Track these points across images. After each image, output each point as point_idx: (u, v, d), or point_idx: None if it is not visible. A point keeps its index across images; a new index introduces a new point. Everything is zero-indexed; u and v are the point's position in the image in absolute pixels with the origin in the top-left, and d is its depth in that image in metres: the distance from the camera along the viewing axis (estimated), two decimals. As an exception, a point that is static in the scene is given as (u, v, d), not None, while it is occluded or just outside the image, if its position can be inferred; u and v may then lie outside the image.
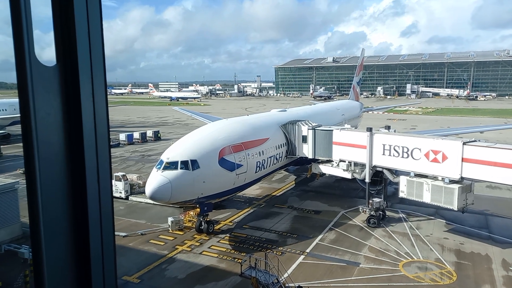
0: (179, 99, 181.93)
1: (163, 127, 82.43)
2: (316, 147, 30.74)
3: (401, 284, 18.98)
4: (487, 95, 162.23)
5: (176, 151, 23.72)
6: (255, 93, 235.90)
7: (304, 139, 31.25)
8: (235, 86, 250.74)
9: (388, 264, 21.18)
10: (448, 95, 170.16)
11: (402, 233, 25.45)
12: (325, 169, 31.20)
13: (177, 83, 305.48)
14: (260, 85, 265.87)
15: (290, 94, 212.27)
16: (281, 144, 31.08)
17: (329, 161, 30.77)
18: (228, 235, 25.61)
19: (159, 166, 22.88)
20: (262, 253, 20.99)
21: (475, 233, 25.24)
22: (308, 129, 31.02)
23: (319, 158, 31.17)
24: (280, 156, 30.93)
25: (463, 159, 22.47)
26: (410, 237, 24.83)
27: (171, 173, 22.07)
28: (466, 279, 19.47)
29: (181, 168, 22.32)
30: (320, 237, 25.00)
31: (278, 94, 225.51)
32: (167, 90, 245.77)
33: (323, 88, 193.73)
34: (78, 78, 1.90)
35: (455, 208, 22.70)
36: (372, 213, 26.88)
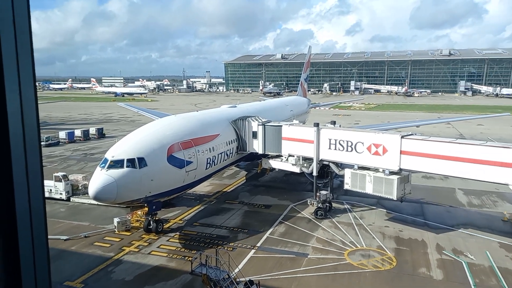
0: (125, 95, 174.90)
1: (108, 124, 78.77)
2: (266, 142, 31.18)
3: (346, 272, 19.94)
4: (422, 91, 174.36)
5: (122, 149, 22.83)
6: (205, 88, 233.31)
7: (254, 134, 31.56)
8: (184, 82, 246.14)
9: (334, 253, 22.14)
10: (388, 91, 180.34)
11: (347, 223, 26.70)
12: (275, 164, 31.77)
13: (122, 78, 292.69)
14: (210, 80, 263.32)
15: (241, 90, 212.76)
16: (231, 140, 31.12)
17: (279, 156, 31.38)
18: (178, 233, 25.21)
19: (103, 164, 21.88)
20: (213, 249, 20.93)
21: (412, 221, 27.14)
22: (258, 125, 31.35)
23: (269, 153, 31.67)
24: (231, 152, 30.97)
25: (401, 152, 24.02)
26: (355, 226, 26.12)
27: (116, 172, 21.22)
28: (405, 264, 20.92)
29: (127, 167, 21.53)
30: (270, 230, 25.47)
31: (229, 90, 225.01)
32: (111, 85, 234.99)
33: (272, 84, 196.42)
34: (2, 72, 1.78)
35: (394, 198, 24.24)
36: (319, 205, 27.88)
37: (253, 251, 22.53)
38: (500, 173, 20.29)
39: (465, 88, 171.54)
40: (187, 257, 21.29)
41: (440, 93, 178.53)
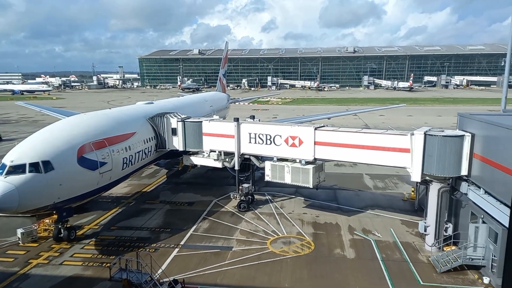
0: (24, 93, 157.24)
1: (5, 125, 70.09)
2: (186, 139, 30.64)
3: (269, 260, 20.67)
4: (332, 86, 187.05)
5: (22, 152, 20.49)
6: (118, 85, 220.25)
7: (174, 131, 30.79)
8: (94, 78, 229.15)
9: (257, 243, 22.77)
10: (302, 86, 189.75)
11: (269, 214, 27.63)
12: (197, 160, 31.41)
13: (20, 74, 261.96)
14: (123, 76, 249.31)
15: (158, 86, 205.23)
16: (149, 138, 29.94)
17: (200, 152, 31.09)
18: (93, 239, 23.58)
19: (0, 171, 19.44)
20: (134, 252, 20.02)
21: (327, 206, 29.11)
22: (178, 121, 30.64)
23: (190, 150, 31.19)
24: (149, 150, 29.80)
25: (315, 143, 25.51)
26: (276, 216, 27.15)
27: (17, 178, 19.02)
28: (322, 246, 22.40)
29: (30, 172, 19.42)
30: (194, 227, 25.20)
31: (145, 86, 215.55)
32: (7, 82, 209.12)
33: (190, 80, 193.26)
34: None
35: (311, 186, 25.71)
36: (242, 198, 28.39)
37: (176, 250, 22.08)
38: (399, 157, 22.70)
39: (368, 83, 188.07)
40: (105, 264, 20.04)
41: (347, 87, 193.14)
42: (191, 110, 37.64)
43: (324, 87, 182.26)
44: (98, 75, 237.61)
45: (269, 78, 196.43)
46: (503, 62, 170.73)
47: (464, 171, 20.76)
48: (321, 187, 28.49)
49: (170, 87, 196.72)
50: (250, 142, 28.05)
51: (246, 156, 29.02)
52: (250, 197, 29.18)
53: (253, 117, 32.92)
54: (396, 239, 23.34)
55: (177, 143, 30.85)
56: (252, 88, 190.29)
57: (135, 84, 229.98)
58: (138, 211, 28.48)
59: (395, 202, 30.06)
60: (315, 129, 25.55)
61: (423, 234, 22.73)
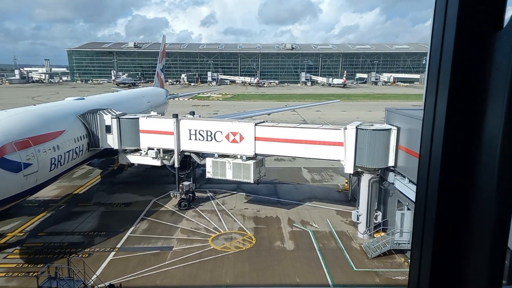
0: None
1: None
2: (122, 136, 29.27)
3: (211, 258, 20.62)
4: (271, 82, 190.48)
5: None
6: (45, 79, 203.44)
7: (108, 129, 29.23)
8: (17, 71, 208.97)
9: (199, 242, 22.57)
10: (242, 82, 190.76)
11: (211, 211, 27.50)
12: (134, 158, 30.19)
13: None
14: (50, 70, 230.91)
15: (90, 80, 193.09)
16: (81, 136, 28.09)
17: (137, 150, 29.92)
18: (18, 248, 21.69)
19: None
20: (65, 259, 18.76)
21: (268, 200, 29.72)
22: (112, 118, 29.14)
23: (127, 148, 29.87)
24: (81, 149, 27.98)
25: (256, 138, 25.85)
26: (217, 212, 27.11)
27: None
28: (263, 240, 22.85)
29: None
30: (131, 229, 24.26)
31: (75, 81, 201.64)
32: None
33: (126, 74, 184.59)
34: None
35: (252, 181, 26.05)
36: (182, 196, 27.90)
37: (113, 253, 21.11)
38: (334, 151, 23.86)
39: (306, 79, 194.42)
40: (32, 273, 18.53)
41: (286, 84, 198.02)
42: (127, 106, 36.02)
43: (264, 83, 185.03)
44: (21, 69, 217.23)
45: (209, 74, 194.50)
46: (424, 60, 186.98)
47: (391, 162, 22.40)
48: (262, 181, 28.99)
49: (104, 82, 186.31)
50: (190, 138, 27.61)
51: (186, 153, 28.53)
52: (191, 195, 28.78)
53: (193, 113, 32.39)
54: (332, 229, 24.56)
55: (111, 141, 29.35)
56: (192, 84, 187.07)
57: (64, 78, 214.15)
58: (69, 214, 26.72)
59: (330, 193, 31.56)
60: (256, 125, 25.87)
61: (355, 223, 24.19)
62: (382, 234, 22.51)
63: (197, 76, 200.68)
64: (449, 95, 1.55)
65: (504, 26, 1.39)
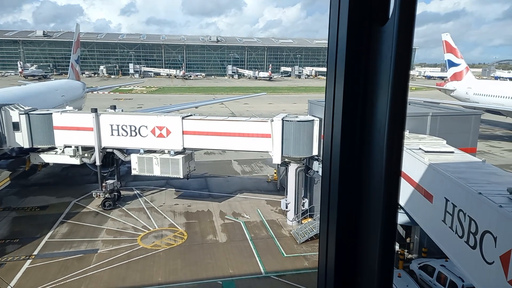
0: None
1: None
2: (33, 134, 26.54)
3: (141, 257, 19.88)
4: (198, 75, 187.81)
5: None
6: None
7: (16, 126, 26.30)
8: None
9: (126, 242, 21.58)
10: (167, 74, 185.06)
11: (138, 209, 26.42)
12: (48, 158, 27.64)
13: None
14: None
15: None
16: (-19, 135, 24.91)
17: (52, 149, 27.43)
18: None
19: None
20: (-31, 274, 16.64)
21: (199, 194, 29.45)
22: (20, 114, 26.25)
23: (39, 147, 27.21)
24: (-17, 149, 24.83)
25: (183, 132, 25.32)
26: (146, 210, 26.15)
27: None
28: (195, 235, 22.63)
29: None
30: (49, 234, 22.31)
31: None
32: None
33: (35, 66, 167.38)
34: None
35: (181, 176, 25.54)
36: (106, 195, 26.37)
37: (29, 261, 19.24)
38: (262, 143, 24.38)
39: (232, 72, 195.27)
40: None
41: (213, 76, 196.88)
42: (38, 100, 32.71)
43: (190, 76, 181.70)
44: None
45: (131, 65, 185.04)
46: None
47: (315, 151, 23.61)
48: (192, 176, 28.57)
49: (11, 74, 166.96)
50: (112, 134, 26.07)
51: (108, 150, 26.92)
52: (116, 193, 27.31)
53: (114, 107, 30.57)
54: (263, 218, 25.21)
55: (20, 139, 26.49)
56: (112, 76, 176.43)
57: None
58: (-27, 223, 23.68)
59: (260, 184, 32.31)
60: (183, 118, 25.33)
61: (285, 211, 25.15)
62: (309, 220, 23.72)
63: (117, 68, 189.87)
64: (344, 85, 1.69)
65: (388, 20, 1.52)
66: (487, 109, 52.27)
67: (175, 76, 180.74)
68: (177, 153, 25.65)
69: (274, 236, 22.63)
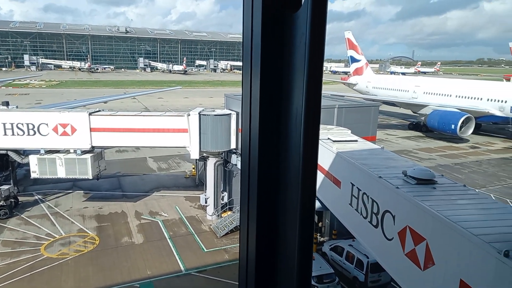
0: None
1: None
2: None
3: (46, 268, 18.00)
4: (106, 67, 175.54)
5: None
6: None
7: None
8: None
9: (28, 252, 19.37)
10: (70, 67, 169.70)
11: (41, 215, 23.88)
12: None
13: None
14: None
15: None
16: None
17: None
18: None
19: None
20: None
21: (111, 195, 27.66)
22: None
23: None
24: None
25: (91, 129, 23.46)
26: (50, 216, 23.74)
27: None
28: (108, 238, 21.24)
29: None
30: None
31: None
32: None
33: None
34: None
35: (90, 177, 23.70)
36: (1, 203, 23.30)
37: None
38: (179, 138, 23.77)
39: (144, 65, 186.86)
40: None
41: (123, 69, 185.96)
42: None
43: (97, 69, 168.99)
44: None
45: (26, 57, 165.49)
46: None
47: (233, 145, 23.81)
48: (103, 176, 26.67)
49: None
50: (5, 134, 23.04)
51: (1, 152, 23.78)
52: (12, 200, 24.28)
53: (7, 104, 27.01)
54: (182, 215, 24.71)
55: None
56: (4, 69, 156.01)
57: None
58: None
59: (178, 180, 31.57)
60: (90, 114, 23.46)
61: (204, 206, 24.98)
62: (229, 213, 23.92)
63: (9, 59, 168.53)
64: (261, 77, 1.66)
65: (300, 7, 1.51)
66: (384, 101, 58.20)
67: (80, 69, 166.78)
68: (84, 152, 23.71)
69: (194, 232, 22.35)
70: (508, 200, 27.17)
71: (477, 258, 7.96)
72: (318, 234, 22.05)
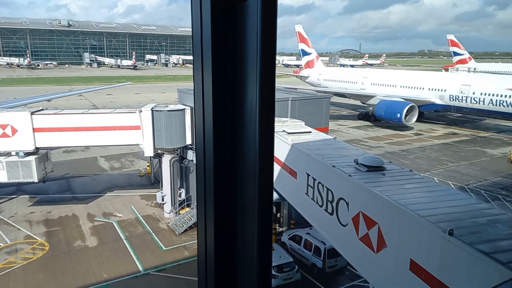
0: None
1: None
2: None
3: (-10, 280, 16.78)
4: (48, 63, 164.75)
5: None
6: None
7: None
8: None
9: (-32, 265, 17.90)
10: (8, 64, 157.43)
11: (-19, 224, 22.11)
12: None
13: None
14: None
15: None
16: None
17: None
18: None
19: None
20: None
21: (60, 198, 26.20)
22: None
23: None
24: None
25: (34, 129, 22.02)
26: (-8, 225, 22.06)
27: None
28: (58, 243, 20.14)
29: None
30: None
31: None
32: None
33: None
34: None
35: (36, 180, 22.30)
36: None
37: None
38: (131, 135, 22.97)
39: (90, 60, 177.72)
40: None
41: (67, 65, 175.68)
42: None
43: (38, 65, 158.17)
44: None
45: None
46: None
47: (188, 141, 23.44)
48: (50, 178, 25.20)
49: None
50: None
51: None
52: None
53: None
54: (138, 214, 24.01)
55: None
56: None
57: None
58: None
59: (133, 179, 30.59)
60: (32, 113, 21.99)
61: (161, 204, 24.45)
62: (187, 209, 23.61)
63: None
64: (212, 69, 1.62)
65: None
66: (335, 92, 60.13)
67: (19, 66, 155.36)
68: (28, 154, 22.21)
69: (152, 231, 21.82)
70: (450, 182, 29.31)
71: (425, 238, 8.54)
72: (277, 225, 22.44)
